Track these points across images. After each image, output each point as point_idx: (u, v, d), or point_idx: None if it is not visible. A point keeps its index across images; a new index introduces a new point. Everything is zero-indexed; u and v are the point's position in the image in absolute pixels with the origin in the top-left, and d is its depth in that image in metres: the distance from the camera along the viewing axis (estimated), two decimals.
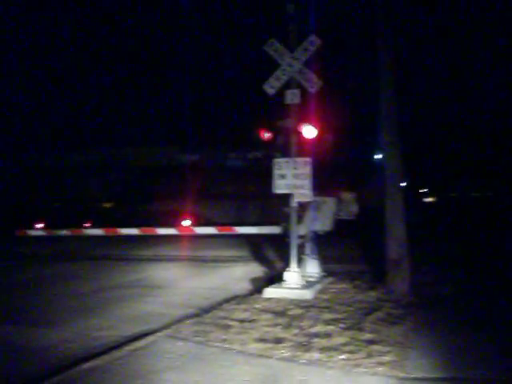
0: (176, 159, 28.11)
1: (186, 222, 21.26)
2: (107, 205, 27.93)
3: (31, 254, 18.18)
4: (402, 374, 5.14)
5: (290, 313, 7.65)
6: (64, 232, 21.38)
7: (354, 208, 10.44)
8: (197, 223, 21.51)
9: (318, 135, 9.04)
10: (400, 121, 8.98)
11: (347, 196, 10.45)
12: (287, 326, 6.90)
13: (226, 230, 19.80)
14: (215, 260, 14.72)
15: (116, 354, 6.01)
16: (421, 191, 60.53)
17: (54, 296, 10.17)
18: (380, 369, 5.26)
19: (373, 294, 8.71)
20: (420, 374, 5.19)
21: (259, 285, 10.14)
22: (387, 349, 5.85)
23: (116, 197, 27.64)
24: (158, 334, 6.78)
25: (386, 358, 5.54)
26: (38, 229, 22.59)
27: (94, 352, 6.22)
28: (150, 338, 6.58)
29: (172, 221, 21.25)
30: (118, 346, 6.37)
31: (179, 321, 7.49)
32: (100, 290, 10.63)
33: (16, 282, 12.25)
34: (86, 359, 5.88)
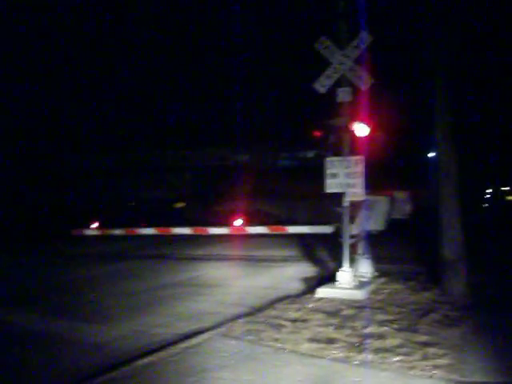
0: (228, 159, 28.29)
1: (238, 222, 21.37)
2: (179, 205, 28.22)
3: (87, 253, 18.68)
4: (458, 378, 5.01)
5: (343, 313, 7.58)
6: (118, 231, 21.82)
7: (408, 207, 10.26)
8: (254, 222, 21.52)
9: (370, 133, 8.92)
10: (455, 115, 8.73)
11: (400, 195, 10.28)
12: (340, 327, 6.84)
13: (277, 230, 19.78)
14: (267, 259, 14.73)
15: (170, 351, 6.12)
16: (503, 189, 58.62)
17: (109, 293, 10.42)
18: (436, 372, 5.14)
19: (428, 295, 8.52)
20: (478, 378, 5.05)
21: (311, 284, 10.09)
22: (443, 351, 5.72)
23: (186, 197, 27.90)
24: (211, 332, 6.85)
25: (442, 361, 5.41)
26: (93, 228, 23.13)
27: (149, 349, 6.35)
28: (203, 337, 6.66)
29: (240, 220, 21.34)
30: (172, 343, 6.47)
31: (232, 319, 7.54)
32: (154, 288, 10.82)
33: (72, 279, 12.60)
34: (141, 356, 6.01)
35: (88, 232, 23.07)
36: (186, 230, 20.31)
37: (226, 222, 21.19)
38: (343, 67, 8.90)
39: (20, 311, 9.07)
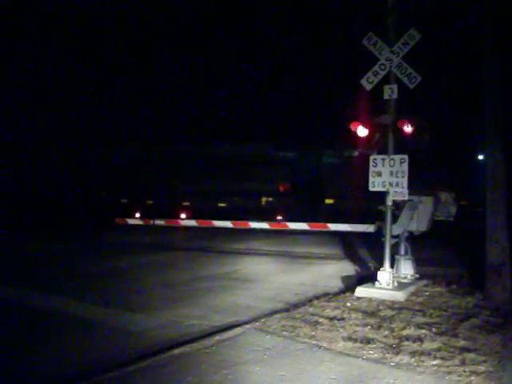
0: (271, 156, 28.12)
1: (279, 218, 21.34)
2: (222, 204, 27.95)
3: (130, 243, 18.97)
4: None
5: (381, 313, 7.49)
6: (161, 222, 22.06)
7: (453, 209, 10.02)
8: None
9: (416, 132, 8.74)
10: (506, 115, 8.49)
11: (446, 196, 10.04)
12: (377, 327, 6.76)
13: (318, 227, 19.66)
14: (307, 256, 14.69)
15: (205, 342, 6.17)
16: None
17: (149, 284, 10.59)
18: (474, 378, 5.01)
19: (470, 299, 8.31)
20: None
21: (350, 283, 10.01)
22: (483, 358, 5.57)
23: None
24: (247, 326, 6.87)
25: (481, 368, 5.27)
26: (136, 218, 23.41)
27: (185, 339, 6.42)
28: (238, 330, 6.68)
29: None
30: (208, 335, 6.52)
31: (268, 315, 7.54)
32: (193, 280, 10.92)
33: (114, 268, 12.83)
34: (177, 345, 6.09)
35: (131, 221, 23.41)
36: (227, 224, 20.39)
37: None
38: (391, 64, 8.77)
39: (61, 298, 9.30)
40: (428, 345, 6.03)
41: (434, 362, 5.45)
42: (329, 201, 23.87)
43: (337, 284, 10.32)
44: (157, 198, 26.52)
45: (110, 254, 15.49)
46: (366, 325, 6.86)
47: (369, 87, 9.02)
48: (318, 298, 8.70)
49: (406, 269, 9.63)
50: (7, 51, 29.16)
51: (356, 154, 22.81)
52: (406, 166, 8.66)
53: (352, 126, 8.94)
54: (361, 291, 8.70)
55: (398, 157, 8.76)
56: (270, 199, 24.98)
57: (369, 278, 9.53)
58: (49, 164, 28.59)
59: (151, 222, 22.31)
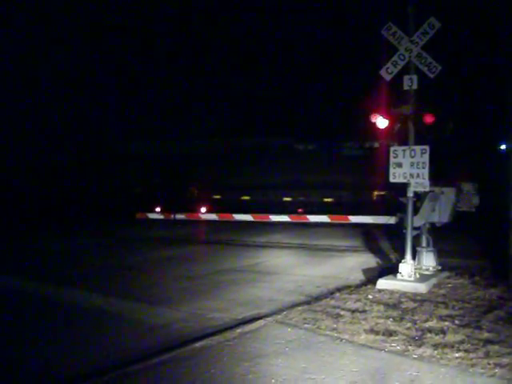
0: (292, 149, 28.04)
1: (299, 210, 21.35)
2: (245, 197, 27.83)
3: (151, 237, 19.11)
4: None
5: (403, 306, 7.45)
6: (181, 216, 22.17)
7: (475, 200, 9.90)
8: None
9: (437, 122, 8.64)
10: None
11: (468, 187, 9.92)
12: (399, 319, 6.72)
13: (339, 219, 19.58)
14: (328, 249, 14.64)
15: (227, 335, 6.20)
16: None
17: (171, 277, 10.65)
18: (498, 370, 4.96)
19: (493, 291, 8.22)
20: None
21: (372, 275, 9.96)
22: (507, 350, 5.51)
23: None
24: (268, 318, 6.88)
25: (506, 360, 5.21)
26: (156, 212, 23.53)
27: (207, 332, 6.45)
28: (259, 323, 6.70)
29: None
30: (229, 328, 6.55)
31: (289, 307, 7.55)
32: (214, 273, 10.97)
33: (136, 262, 12.94)
34: (199, 338, 6.12)
35: (152, 216, 23.56)
36: (247, 217, 20.41)
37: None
38: (410, 54, 8.68)
39: (85, 291, 9.40)
40: (451, 337, 5.99)
41: (458, 355, 5.41)
42: None
43: (358, 276, 10.28)
44: (253, 193, 26.17)
45: (129, 249, 15.63)
46: (388, 317, 6.83)
47: (388, 78, 8.95)
48: (339, 290, 8.68)
49: (428, 260, 9.56)
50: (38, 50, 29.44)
51: None
52: (426, 157, 8.59)
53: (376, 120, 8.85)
54: (382, 283, 8.66)
55: (418, 147, 8.68)
56: (383, 193, 24.20)
57: (390, 270, 9.48)
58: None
59: (171, 216, 22.42)
